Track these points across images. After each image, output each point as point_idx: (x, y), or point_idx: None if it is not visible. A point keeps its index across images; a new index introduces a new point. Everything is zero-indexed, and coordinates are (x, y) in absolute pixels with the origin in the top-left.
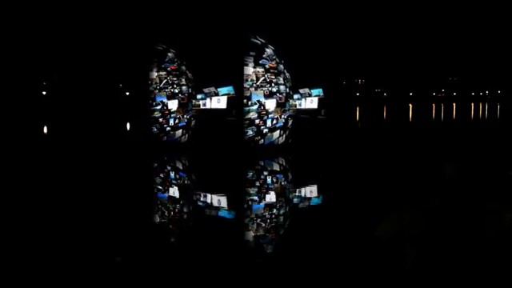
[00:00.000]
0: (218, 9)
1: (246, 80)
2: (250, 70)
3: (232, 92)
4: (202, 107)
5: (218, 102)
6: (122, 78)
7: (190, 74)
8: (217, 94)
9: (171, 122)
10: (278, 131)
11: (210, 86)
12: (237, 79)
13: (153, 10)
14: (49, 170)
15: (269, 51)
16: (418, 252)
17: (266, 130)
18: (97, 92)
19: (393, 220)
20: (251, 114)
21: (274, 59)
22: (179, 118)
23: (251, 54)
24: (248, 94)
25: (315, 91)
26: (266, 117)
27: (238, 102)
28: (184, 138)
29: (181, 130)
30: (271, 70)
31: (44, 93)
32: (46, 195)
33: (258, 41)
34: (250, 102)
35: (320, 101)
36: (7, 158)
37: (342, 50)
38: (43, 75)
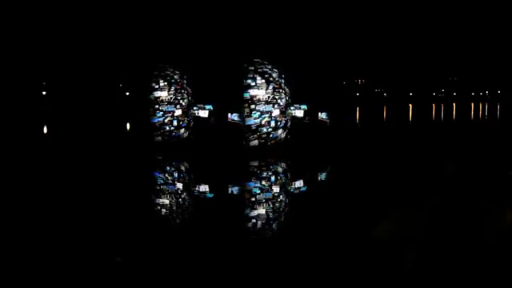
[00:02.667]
0: (225, 36)
1: (258, 99)
2: (263, 91)
3: (211, 108)
4: (196, 115)
5: (204, 113)
6: (122, 78)
7: (189, 89)
8: (204, 108)
9: (175, 123)
10: (281, 130)
11: (201, 103)
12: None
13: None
14: (55, 170)
15: (274, 75)
16: (418, 252)
17: (270, 129)
18: (96, 92)
19: (393, 220)
20: (265, 119)
21: (278, 80)
22: (182, 121)
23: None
24: (263, 106)
25: (302, 106)
26: (271, 120)
27: (216, 113)
28: (185, 135)
29: (183, 129)
30: (276, 88)
31: (44, 93)
32: (54, 195)
33: (267, 68)
34: (261, 110)
35: (304, 112)
36: (7, 158)
37: (341, 50)
38: (43, 75)
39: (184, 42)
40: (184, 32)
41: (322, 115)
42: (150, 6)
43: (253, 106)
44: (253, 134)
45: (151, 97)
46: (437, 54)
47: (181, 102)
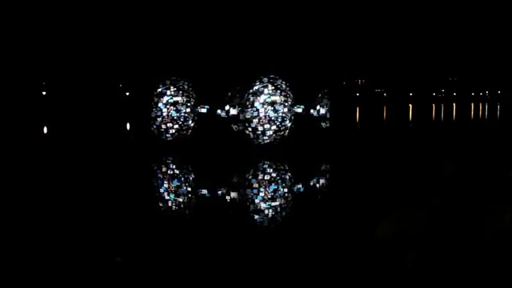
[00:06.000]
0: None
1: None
2: (278, 97)
3: (208, 108)
4: (199, 112)
5: (204, 111)
6: (122, 78)
7: (193, 94)
8: (204, 108)
9: (182, 118)
10: (288, 121)
11: (203, 104)
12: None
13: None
14: (57, 170)
15: (283, 86)
16: (418, 252)
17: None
18: (97, 92)
19: (393, 220)
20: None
21: (284, 89)
22: (189, 116)
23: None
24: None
25: (301, 106)
26: (281, 115)
27: (211, 111)
28: (192, 124)
29: (190, 121)
30: (283, 93)
31: (44, 93)
32: (58, 196)
33: (279, 82)
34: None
35: (302, 110)
36: (7, 158)
37: (341, 50)
38: (43, 75)
39: (186, 48)
40: (186, 39)
41: (311, 111)
42: (151, 9)
43: (272, 107)
44: (272, 122)
45: (170, 100)
46: (437, 54)
47: (187, 103)
